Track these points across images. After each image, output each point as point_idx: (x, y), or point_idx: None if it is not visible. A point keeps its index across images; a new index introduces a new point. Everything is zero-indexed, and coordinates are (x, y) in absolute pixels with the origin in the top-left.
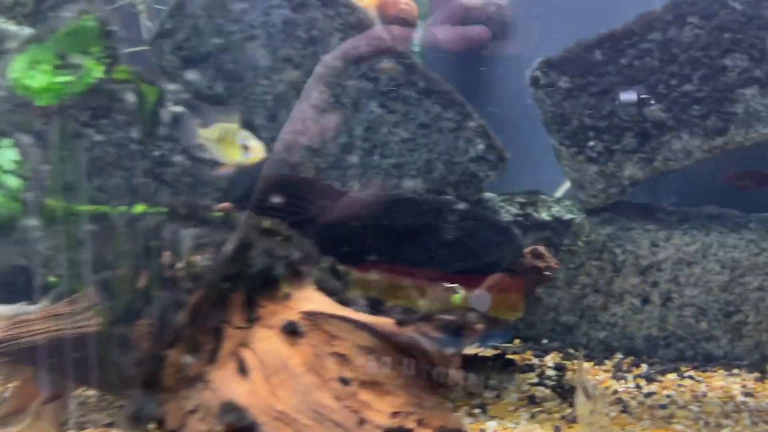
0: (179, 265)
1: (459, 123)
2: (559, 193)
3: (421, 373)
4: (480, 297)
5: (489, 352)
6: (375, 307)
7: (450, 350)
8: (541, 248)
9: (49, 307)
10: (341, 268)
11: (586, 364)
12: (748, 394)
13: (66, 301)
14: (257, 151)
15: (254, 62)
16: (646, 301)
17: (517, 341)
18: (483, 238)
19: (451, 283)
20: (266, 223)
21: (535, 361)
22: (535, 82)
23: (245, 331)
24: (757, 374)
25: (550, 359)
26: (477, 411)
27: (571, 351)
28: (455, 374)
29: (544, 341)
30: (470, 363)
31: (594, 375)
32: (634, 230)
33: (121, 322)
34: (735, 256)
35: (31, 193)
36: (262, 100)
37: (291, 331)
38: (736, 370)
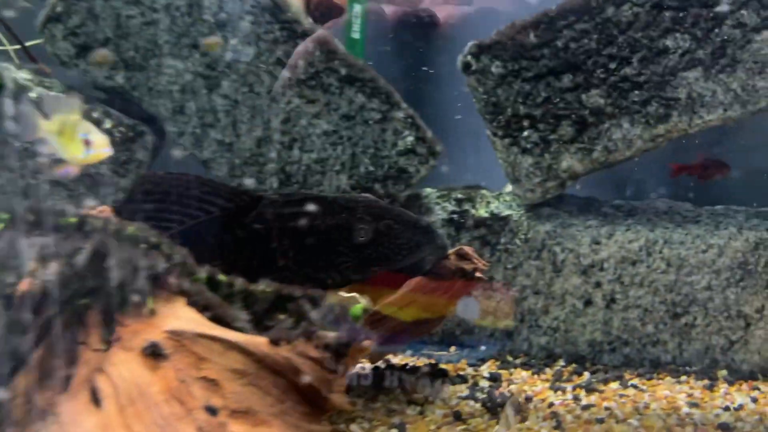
0: (23, 280)
1: (385, 113)
2: (509, 188)
3: (301, 399)
4: (468, 305)
5: (421, 361)
6: (260, 322)
7: (331, 371)
8: (467, 249)
9: None
10: (222, 278)
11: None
12: (693, 405)
13: None
14: (101, 146)
15: (157, 49)
16: (588, 302)
17: (452, 349)
18: (400, 239)
19: (369, 288)
20: (130, 229)
21: (470, 370)
22: (466, 67)
23: (102, 355)
24: (706, 381)
25: (486, 368)
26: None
27: (509, 359)
28: (339, 399)
29: (482, 348)
30: (395, 373)
31: (531, 385)
32: (575, 227)
33: None
34: (681, 254)
35: None
36: (167, 90)
37: (153, 354)
38: (684, 377)
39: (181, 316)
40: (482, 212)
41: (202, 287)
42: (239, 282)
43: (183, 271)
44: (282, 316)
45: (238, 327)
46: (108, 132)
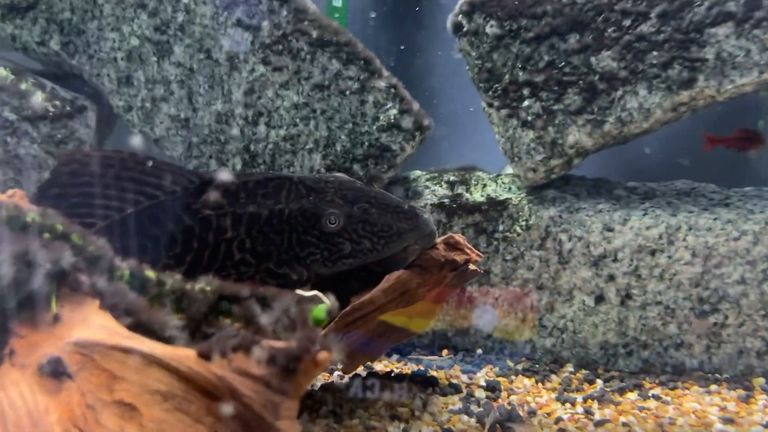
0: None
1: (364, 83)
2: (509, 170)
3: (240, 428)
4: (484, 313)
5: (409, 368)
6: (198, 329)
7: (278, 392)
8: (458, 237)
9: None
10: (150, 275)
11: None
12: (728, 420)
13: None
14: None
15: (97, 9)
16: (600, 299)
17: (444, 352)
18: (378, 225)
19: (332, 289)
20: (29, 214)
21: (464, 378)
22: (457, 28)
23: None
24: (740, 391)
25: (483, 375)
26: None
27: (510, 364)
28: (289, 428)
29: (478, 352)
30: (378, 383)
31: (535, 396)
32: (584, 211)
33: None
34: (709, 242)
35: None
36: (111, 58)
37: (52, 372)
38: (714, 386)
39: (92, 324)
40: (477, 196)
41: (122, 286)
42: (172, 279)
43: (98, 267)
44: (226, 321)
45: (169, 336)
46: (40, 106)
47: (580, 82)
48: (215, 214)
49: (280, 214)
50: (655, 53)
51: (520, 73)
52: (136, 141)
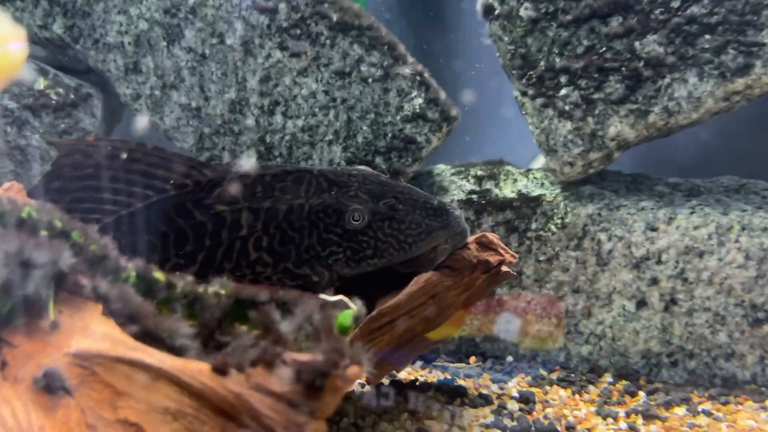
0: None
1: (387, 70)
2: (537, 164)
3: None
4: (507, 322)
5: (434, 376)
6: (211, 338)
7: (302, 412)
8: (491, 236)
9: None
10: (159, 277)
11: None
12: None
13: None
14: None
15: None
16: (642, 304)
17: (472, 359)
18: (405, 223)
19: (355, 292)
20: (24, 210)
21: (494, 387)
22: (488, 11)
23: None
24: None
25: (515, 385)
26: None
27: (543, 373)
28: None
29: (509, 359)
30: (402, 392)
31: (573, 409)
32: (625, 209)
33: None
34: (764, 243)
35: None
36: (117, 43)
37: (48, 387)
38: None
39: (93, 332)
40: (508, 192)
41: (128, 290)
42: (183, 282)
43: (100, 268)
44: (242, 328)
45: (179, 346)
46: (42, 94)
47: (623, 68)
48: (229, 209)
49: (300, 209)
50: (707, 37)
51: (557, 60)
52: (142, 123)
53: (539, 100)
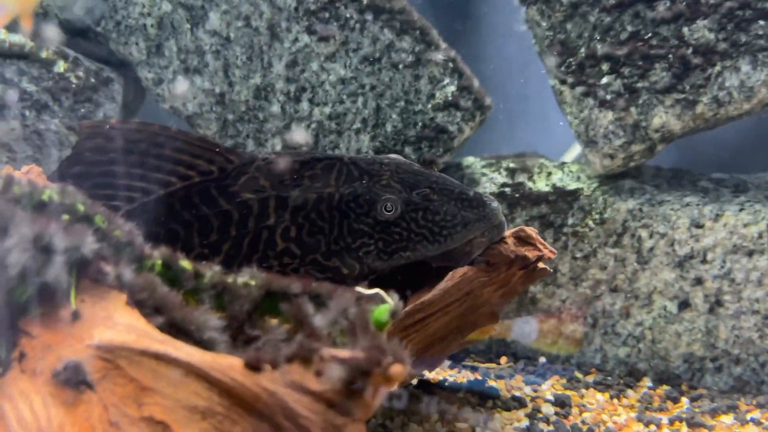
0: None
1: (419, 55)
2: (569, 157)
3: None
4: (524, 325)
5: (463, 376)
6: (241, 331)
7: (341, 412)
8: (529, 230)
9: None
10: (185, 266)
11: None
12: None
13: None
14: None
15: None
16: (685, 305)
17: (503, 360)
18: (440, 214)
19: (386, 286)
20: (45, 192)
21: (528, 389)
22: None
23: None
24: None
25: (549, 388)
26: None
27: (579, 375)
28: None
29: (542, 360)
30: (432, 393)
31: (612, 414)
32: (668, 204)
33: None
34: None
35: None
36: (140, 25)
37: (69, 381)
38: None
39: (117, 323)
40: (542, 185)
41: (153, 279)
42: (211, 272)
43: (124, 255)
44: (273, 322)
45: (207, 339)
46: (62, 77)
47: (670, 56)
48: (256, 197)
49: (330, 198)
50: (761, 23)
51: (599, 46)
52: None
53: (579, 89)
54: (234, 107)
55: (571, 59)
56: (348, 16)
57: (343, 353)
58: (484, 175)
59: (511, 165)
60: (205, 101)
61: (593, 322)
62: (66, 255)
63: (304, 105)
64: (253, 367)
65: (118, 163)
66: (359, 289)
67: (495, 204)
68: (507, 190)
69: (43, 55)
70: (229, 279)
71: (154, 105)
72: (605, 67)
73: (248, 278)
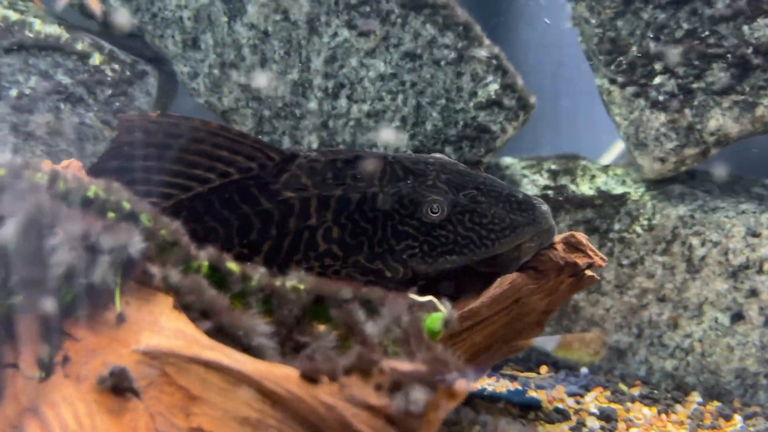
0: None
1: (462, 52)
2: (607, 159)
3: None
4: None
5: (502, 385)
6: (289, 337)
7: (403, 429)
8: (579, 235)
9: None
10: (233, 268)
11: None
12: None
13: None
14: None
15: None
16: (738, 317)
17: (543, 369)
18: (488, 217)
19: (430, 292)
20: (90, 188)
21: (570, 401)
22: None
23: (38, 386)
24: None
25: (593, 400)
26: None
27: (622, 387)
28: None
29: (583, 371)
30: (471, 403)
31: (661, 430)
32: (722, 212)
33: None
34: None
35: None
36: (176, 18)
37: (115, 388)
38: None
39: (164, 327)
40: (585, 188)
41: (201, 281)
42: (258, 275)
43: (171, 256)
44: (321, 328)
45: (255, 345)
46: (97, 70)
47: (729, 55)
48: (297, 196)
49: (374, 199)
50: None
51: (652, 44)
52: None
53: (630, 89)
54: (270, 103)
55: (621, 58)
56: (389, 10)
57: (405, 366)
58: (524, 176)
59: (553, 167)
60: (241, 96)
61: (638, 333)
62: (112, 255)
63: (342, 102)
64: (311, 378)
65: (157, 159)
66: (412, 295)
67: (545, 207)
68: (550, 192)
69: (79, 47)
70: (277, 282)
71: (183, 99)
72: (658, 66)
73: (297, 282)
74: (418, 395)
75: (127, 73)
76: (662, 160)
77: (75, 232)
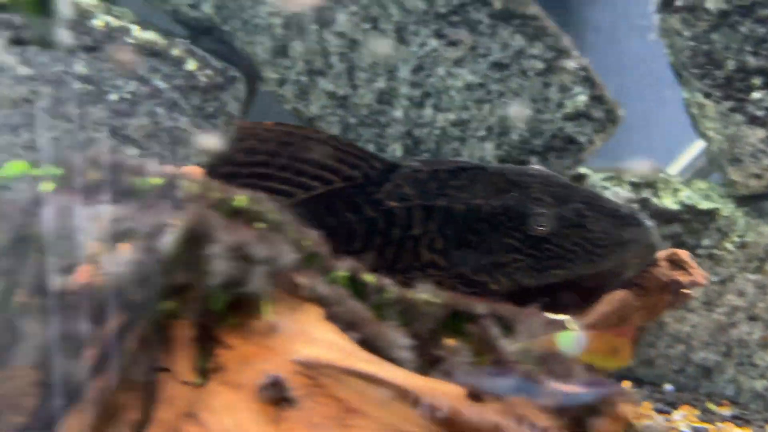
0: (78, 269)
1: (551, 63)
2: (674, 170)
3: None
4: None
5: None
6: (424, 351)
7: None
8: (683, 253)
9: None
10: (370, 280)
11: None
12: None
13: None
14: None
15: None
16: None
17: (626, 384)
18: (595, 232)
19: (550, 307)
20: (239, 199)
21: (659, 419)
22: (667, 4)
23: (195, 390)
24: None
25: (682, 419)
26: None
27: (710, 406)
28: None
29: (667, 387)
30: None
31: None
32: None
33: None
34: None
35: None
36: (267, 25)
37: (272, 397)
38: None
39: (317, 338)
40: (669, 202)
41: (343, 292)
42: (392, 287)
43: (317, 267)
44: (452, 343)
45: (396, 357)
46: (191, 76)
47: None
48: (402, 206)
49: (478, 210)
50: None
51: (751, 59)
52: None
53: (726, 104)
54: (356, 110)
55: (717, 72)
56: (479, 20)
57: (571, 388)
58: (605, 188)
59: (634, 179)
60: (328, 103)
61: (727, 351)
62: (264, 265)
63: (428, 111)
64: (476, 396)
65: (267, 166)
66: (546, 314)
67: (651, 223)
68: (633, 206)
69: (174, 53)
70: (410, 295)
71: (261, 104)
72: (757, 81)
73: (430, 296)
74: (583, 417)
75: (219, 78)
76: (758, 177)
77: (230, 242)
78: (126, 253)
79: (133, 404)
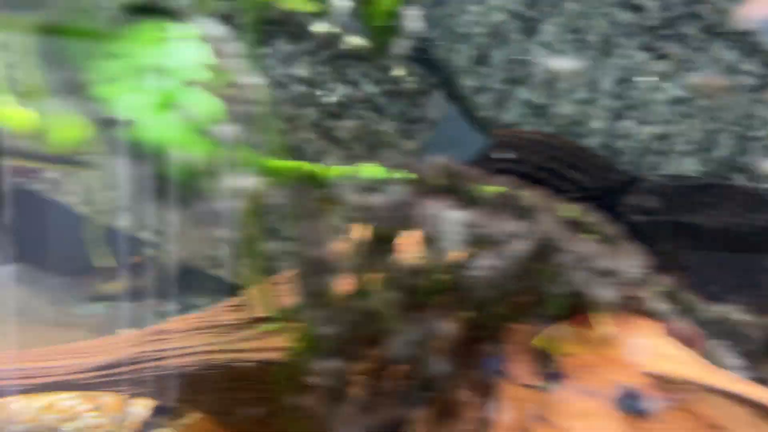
0: (444, 269)
1: (765, 79)
2: None
3: None
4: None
5: None
6: (752, 371)
7: None
8: None
9: (203, 312)
10: (690, 298)
11: None
12: None
13: (228, 304)
14: None
15: None
16: None
17: None
18: None
19: None
20: (570, 209)
21: None
22: None
23: (540, 394)
24: None
25: None
26: None
27: None
28: None
29: None
30: None
31: None
32: None
33: (326, 353)
34: None
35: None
36: (469, 32)
37: (631, 408)
38: None
39: (663, 354)
40: None
41: (673, 309)
42: (706, 304)
43: (648, 281)
44: None
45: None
46: (399, 80)
47: None
48: (645, 219)
49: (737, 229)
50: None
51: None
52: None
53: None
54: (553, 120)
55: None
56: (688, 33)
57: None
58: None
59: None
60: (524, 112)
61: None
62: (610, 276)
63: (628, 123)
64: None
65: (512, 173)
66: None
67: None
68: None
69: (383, 59)
70: (730, 315)
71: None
72: None
73: (751, 317)
74: None
75: (423, 85)
76: None
77: (579, 252)
78: (487, 257)
79: (473, 403)
